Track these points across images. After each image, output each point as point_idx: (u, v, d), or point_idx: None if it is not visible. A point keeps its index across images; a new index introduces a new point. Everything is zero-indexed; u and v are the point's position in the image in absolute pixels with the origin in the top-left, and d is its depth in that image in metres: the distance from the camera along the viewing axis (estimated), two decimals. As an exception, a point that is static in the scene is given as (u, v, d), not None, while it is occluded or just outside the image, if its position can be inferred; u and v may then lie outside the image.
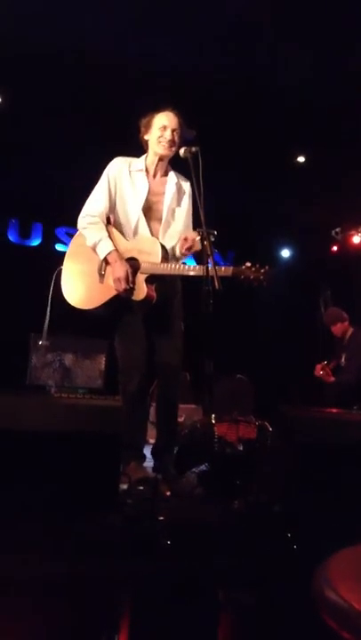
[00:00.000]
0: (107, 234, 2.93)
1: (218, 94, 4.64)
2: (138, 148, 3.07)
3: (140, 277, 2.84)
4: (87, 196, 3.04)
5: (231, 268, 2.75)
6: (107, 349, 4.65)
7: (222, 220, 2.83)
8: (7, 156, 5.50)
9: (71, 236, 6.68)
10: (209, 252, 2.54)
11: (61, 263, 3.25)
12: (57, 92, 4.74)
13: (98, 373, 4.70)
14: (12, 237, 6.41)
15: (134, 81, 4.39)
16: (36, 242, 6.47)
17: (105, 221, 2.97)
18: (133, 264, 2.86)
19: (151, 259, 2.85)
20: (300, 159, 5.77)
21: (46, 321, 3.51)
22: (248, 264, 2.75)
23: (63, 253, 6.91)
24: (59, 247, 6.44)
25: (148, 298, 2.84)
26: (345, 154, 5.34)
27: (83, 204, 3.04)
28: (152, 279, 2.86)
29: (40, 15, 3.98)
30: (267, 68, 4.48)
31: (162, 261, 2.84)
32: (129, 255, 2.88)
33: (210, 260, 2.53)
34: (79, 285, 2.98)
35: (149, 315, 2.94)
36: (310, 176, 5.82)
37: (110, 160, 3.05)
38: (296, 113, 4.94)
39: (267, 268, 2.74)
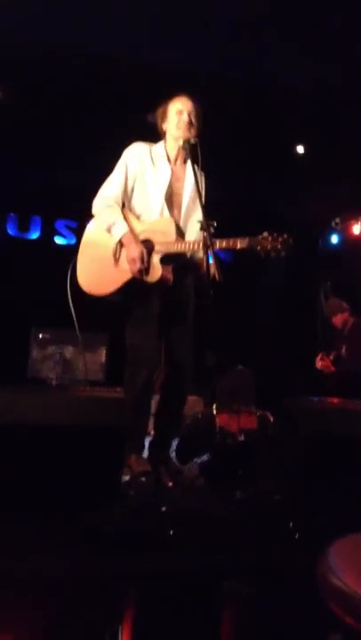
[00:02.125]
0: (122, 216, 2.88)
1: (215, 89, 4.61)
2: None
3: (155, 258, 2.79)
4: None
5: (247, 239, 2.66)
6: (107, 342, 4.65)
7: (220, 211, 2.80)
8: (6, 149, 5.48)
9: (70, 228, 6.60)
10: (209, 244, 2.53)
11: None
12: (55, 87, 4.71)
13: (99, 366, 4.70)
14: (10, 231, 6.40)
15: (132, 76, 4.36)
16: (34, 235, 6.46)
17: (120, 205, 2.92)
18: (147, 245, 2.81)
19: (165, 238, 2.80)
20: (299, 150, 5.74)
21: (73, 316, 3.42)
22: (265, 234, 2.66)
23: (62, 246, 6.91)
24: (58, 240, 6.43)
25: (162, 279, 2.78)
26: (343, 144, 5.31)
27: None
28: (167, 260, 2.81)
29: (44, 15, 3.96)
30: (265, 62, 4.45)
31: (176, 240, 2.79)
32: (144, 237, 2.84)
33: (210, 252, 2.52)
34: (94, 271, 2.91)
35: (165, 304, 2.90)
36: (309, 167, 5.79)
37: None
38: (291, 105, 4.91)
39: (285, 236, 2.65)
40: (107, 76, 4.51)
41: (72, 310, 3.12)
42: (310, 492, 2.34)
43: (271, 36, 4.18)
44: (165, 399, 2.99)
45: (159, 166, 2.95)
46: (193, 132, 2.88)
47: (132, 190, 2.95)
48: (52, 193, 5.88)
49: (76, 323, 3.03)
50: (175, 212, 2.94)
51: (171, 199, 2.93)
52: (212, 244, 2.54)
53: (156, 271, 2.78)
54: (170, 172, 2.95)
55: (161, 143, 3.02)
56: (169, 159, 2.98)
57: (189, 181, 2.95)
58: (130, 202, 2.96)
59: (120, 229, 2.85)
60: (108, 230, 2.88)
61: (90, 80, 4.59)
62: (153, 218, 2.90)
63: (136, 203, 2.95)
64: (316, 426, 2.55)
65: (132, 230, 2.85)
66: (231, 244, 2.67)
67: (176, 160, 2.99)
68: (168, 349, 2.94)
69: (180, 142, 2.81)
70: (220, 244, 2.65)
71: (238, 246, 2.67)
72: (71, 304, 3.08)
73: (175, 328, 2.93)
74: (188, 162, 2.97)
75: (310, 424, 2.56)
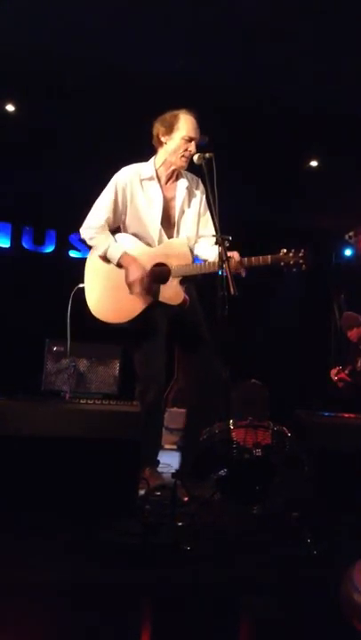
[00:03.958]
0: (113, 239, 2.91)
1: (227, 100, 4.65)
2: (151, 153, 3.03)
3: (175, 281, 2.82)
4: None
5: (269, 256, 2.74)
6: (121, 355, 4.67)
7: (233, 226, 2.81)
8: (21, 163, 5.55)
9: (85, 242, 6.66)
10: (224, 258, 2.54)
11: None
12: (69, 99, 4.77)
13: (112, 379, 4.72)
14: (26, 244, 6.47)
15: (146, 87, 4.41)
16: (49, 248, 6.52)
17: (108, 229, 2.93)
18: (163, 269, 2.84)
19: (182, 261, 2.84)
20: (313, 163, 5.76)
21: (68, 342, 3.53)
22: (284, 250, 2.73)
23: (77, 260, 6.97)
24: (72, 253, 6.49)
25: (184, 302, 2.83)
26: (356, 158, 5.33)
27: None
28: (184, 281, 2.86)
29: (51, 24, 4.01)
30: (279, 74, 4.47)
31: (193, 261, 2.85)
32: (157, 261, 2.86)
33: (225, 266, 2.53)
34: (109, 301, 2.91)
35: (176, 323, 2.91)
36: (322, 180, 5.81)
37: (121, 166, 3.01)
38: (306, 118, 4.94)
39: (303, 251, 2.72)
40: (121, 89, 4.56)
41: (68, 333, 3.27)
42: (327, 508, 2.32)
43: (286, 51, 4.21)
44: (200, 415, 2.88)
45: (149, 191, 2.93)
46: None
47: (126, 217, 2.95)
48: (67, 207, 5.93)
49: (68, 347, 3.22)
50: (169, 231, 2.95)
51: (167, 221, 2.95)
52: (228, 259, 2.56)
53: (179, 295, 2.82)
54: (161, 195, 2.93)
55: (150, 162, 2.98)
56: (158, 179, 2.95)
57: (179, 200, 2.96)
58: (125, 228, 2.96)
59: (116, 252, 2.86)
60: (105, 257, 2.90)
61: (107, 93, 4.64)
62: (154, 243, 2.91)
63: (132, 229, 2.95)
64: (331, 441, 2.53)
65: (143, 255, 2.86)
66: (253, 261, 2.72)
67: (167, 180, 2.97)
68: (197, 367, 2.93)
69: (196, 158, 2.80)
70: (248, 262, 2.71)
71: (262, 263, 2.72)
72: (68, 330, 3.22)
73: (201, 345, 2.93)
74: (181, 179, 2.98)
75: (326, 439, 2.55)
